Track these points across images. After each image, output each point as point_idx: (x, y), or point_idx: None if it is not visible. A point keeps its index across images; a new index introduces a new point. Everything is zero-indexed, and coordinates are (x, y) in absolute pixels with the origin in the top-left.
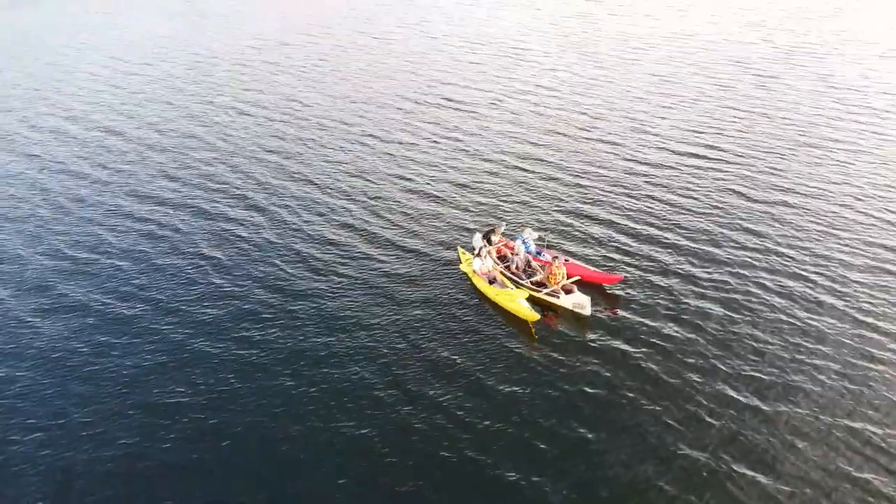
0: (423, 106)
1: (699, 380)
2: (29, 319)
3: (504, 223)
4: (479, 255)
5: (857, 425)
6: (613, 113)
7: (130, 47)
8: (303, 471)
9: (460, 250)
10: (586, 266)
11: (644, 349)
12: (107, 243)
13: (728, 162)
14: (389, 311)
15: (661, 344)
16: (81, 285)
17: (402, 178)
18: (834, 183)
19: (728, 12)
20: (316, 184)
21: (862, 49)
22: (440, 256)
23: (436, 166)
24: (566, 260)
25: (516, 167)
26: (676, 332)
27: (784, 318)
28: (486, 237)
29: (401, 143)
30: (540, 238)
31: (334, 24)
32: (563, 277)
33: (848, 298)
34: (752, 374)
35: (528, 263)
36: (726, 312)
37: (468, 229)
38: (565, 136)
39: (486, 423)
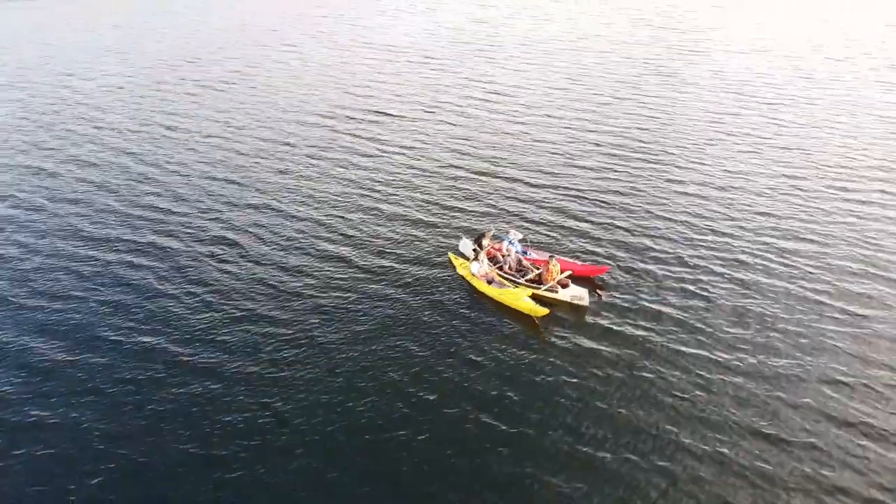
0: (353, 119)
1: (698, 351)
2: None
3: (493, 227)
4: (476, 258)
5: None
6: (539, 113)
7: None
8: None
9: (451, 256)
10: (573, 261)
11: (644, 330)
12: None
13: (656, 151)
14: (393, 320)
15: (658, 322)
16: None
17: (365, 192)
18: (749, 168)
19: (616, 13)
20: (279, 209)
21: (744, 44)
22: (433, 263)
23: (393, 178)
24: (550, 256)
25: (472, 173)
26: (668, 310)
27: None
28: (477, 241)
29: (352, 159)
30: (522, 238)
31: (235, 37)
32: (558, 273)
33: (791, 272)
34: (734, 335)
35: (519, 263)
36: (703, 288)
37: (454, 236)
38: (505, 137)
39: (516, 419)
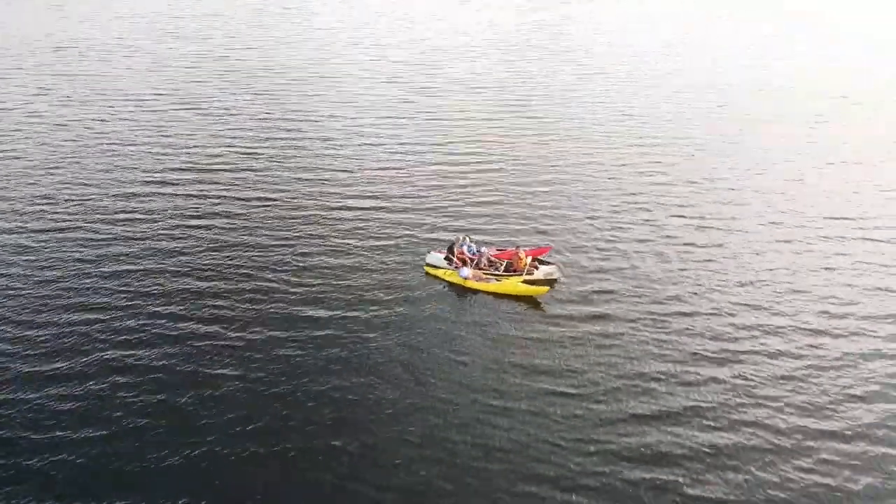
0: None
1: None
2: None
3: (463, 233)
4: (464, 264)
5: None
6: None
7: None
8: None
9: (428, 269)
10: (522, 248)
11: (609, 294)
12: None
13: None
14: (397, 327)
15: (620, 286)
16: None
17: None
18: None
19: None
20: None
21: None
22: (413, 273)
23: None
24: (499, 249)
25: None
26: (622, 275)
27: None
28: (450, 250)
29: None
30: (475, 241)
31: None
32: (527, 259)
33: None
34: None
35: (489, 260)
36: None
37: (420, 243)
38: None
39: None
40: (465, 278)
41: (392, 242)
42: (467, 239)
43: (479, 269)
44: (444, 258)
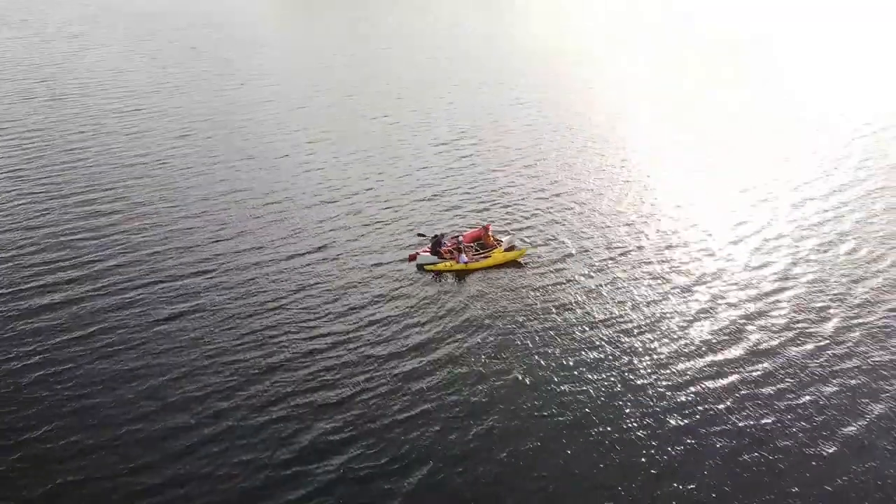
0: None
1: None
2: None
3: (439, 232)
4: (461, 252)
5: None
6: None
7: None
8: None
9: (428, 268)
10: (472, 230)
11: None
12: None
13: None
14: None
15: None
16: None
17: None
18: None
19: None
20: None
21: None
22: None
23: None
24: (456, 235)
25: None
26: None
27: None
28: (437, 247)
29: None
30: (443, 234)
31: None
32: (493, 236)
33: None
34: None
35: (468, 244)
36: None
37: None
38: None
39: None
40: (466, 263)
41: (379, 246)
42: (445, 235)
43: (468, 252)
44: (433, 254)
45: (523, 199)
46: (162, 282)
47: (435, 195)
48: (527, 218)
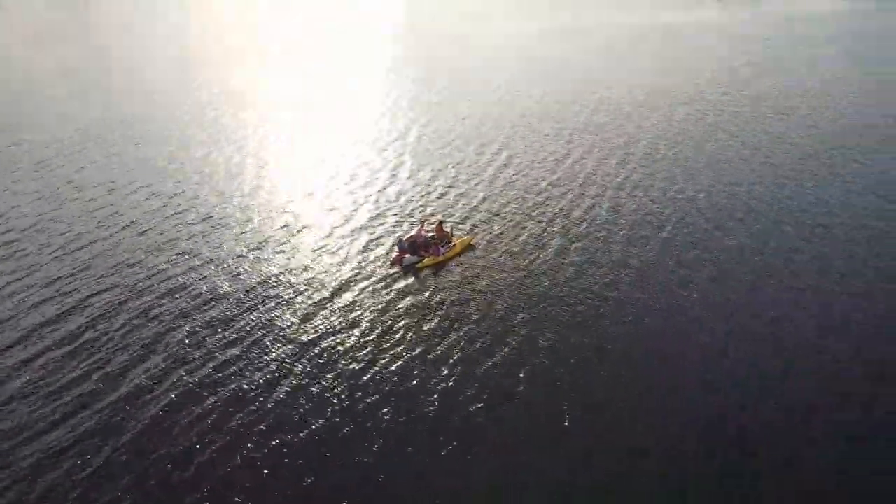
0: None
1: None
2: None
3: (420, 223)
4: (442, 245)
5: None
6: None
7: None
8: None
9: (417, 267)
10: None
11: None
12: None
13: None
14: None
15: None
16: None
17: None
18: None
19: None
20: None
21: None
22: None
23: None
24: (424, 233)
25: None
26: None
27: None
28: (414, 243)
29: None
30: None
31: None
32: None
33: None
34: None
35: (434, 236)
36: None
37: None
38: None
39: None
40: (444, 254)
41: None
42: (405, 235)
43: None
44: (413, 254)
45: None
46: (158, 282)
47: None
48: None
